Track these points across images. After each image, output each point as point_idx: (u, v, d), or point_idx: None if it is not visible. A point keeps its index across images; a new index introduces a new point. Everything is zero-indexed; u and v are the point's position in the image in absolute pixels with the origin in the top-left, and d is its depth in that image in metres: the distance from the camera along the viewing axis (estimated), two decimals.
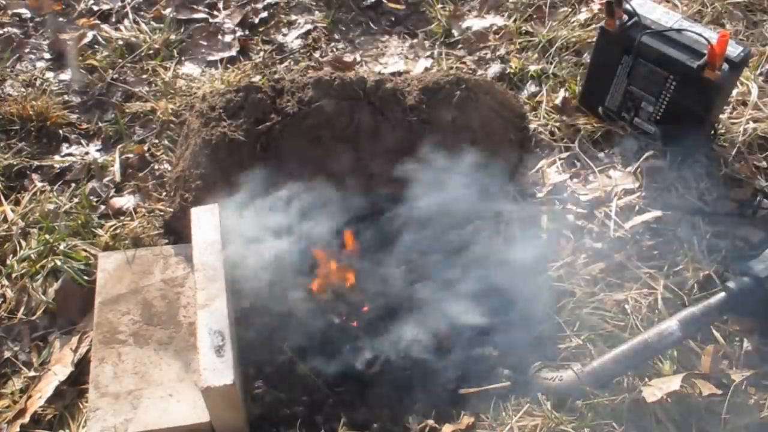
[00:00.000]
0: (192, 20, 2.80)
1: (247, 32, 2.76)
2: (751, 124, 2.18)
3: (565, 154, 2.16)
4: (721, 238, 1.93)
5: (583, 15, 2.68)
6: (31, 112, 2.35)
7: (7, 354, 1.79)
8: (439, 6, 2.79)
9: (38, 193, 2.13)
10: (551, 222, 1.98)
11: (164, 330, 1.75)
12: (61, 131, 2.37)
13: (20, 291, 1.89)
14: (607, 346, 1.69)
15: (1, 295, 1.89)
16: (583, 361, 1.67)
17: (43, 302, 1.86)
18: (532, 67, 2.47)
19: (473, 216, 1.97)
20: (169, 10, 2.80)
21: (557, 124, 2.25)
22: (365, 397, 1.74)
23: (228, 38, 2.73)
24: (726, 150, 2.14)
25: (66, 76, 2.57)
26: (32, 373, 1.75)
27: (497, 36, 2.66)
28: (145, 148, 2.31)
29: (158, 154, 2.29)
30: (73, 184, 2.19)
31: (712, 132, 2.14)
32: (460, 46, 2.67)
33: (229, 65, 2.61)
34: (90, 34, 2.69)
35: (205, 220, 1.75)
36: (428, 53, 2.65)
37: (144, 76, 2.55)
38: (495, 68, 2.52)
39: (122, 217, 2.08)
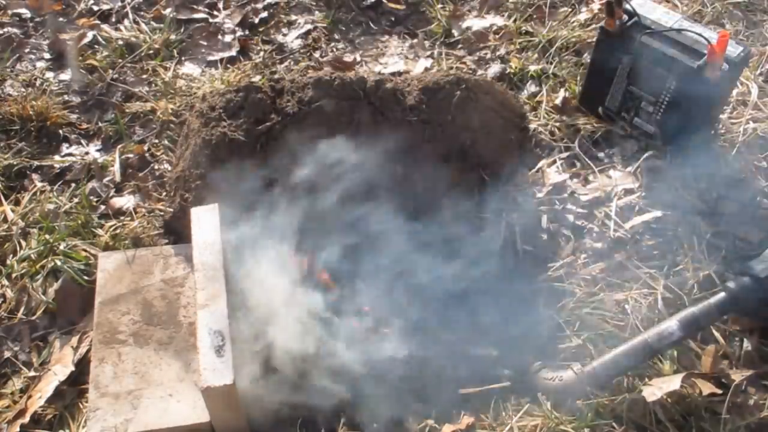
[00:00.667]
0: (192, 20, 2.80)
1: (247, 32, 2.76)
2: (751, 124, 2.18)
3: (565, 154, 2.16)
4: (721, 238, 1.93)
5: (583, 15, 2.67)
6: (31, 112, 2.35)
7: (7, 354, 1.79)
8: (439, 6, 2.79)
9: (38, 193, 2.13)
10: (551, 222, 1.98)
11: (164, 330, 1.75)
12: (61, 131, 2.37)
13: (20, 291, 1.89)
14: (607, 346, 1.69)
15: (1, 295, 1.89)
16: (583, 361, 1.67)
17: (43, 302, 1.86)
18: (532, 67, 2.47)
19: None
20: (169, 10, 2.80)
21: (557, 124, 2.25)
22: (365, 397, 1.73)
23: (228, 38, 2.73)
24: (726, 150, 2.14)
25: (66, 76, 2.57)
26: (32, 373, 1.75)
27: (497, 36, 2.66)
28: (145, 148, 2.31)
29: (158, 154, 2.29)
30: (73, 184, 2.19)
31: (712, 132, 2.14)
32: (460, 46, 2.67)
33: (229, 65, 2.61)
34: (90, 34, 2.69)
35: (205, 220, 1.74)
36: (428, 53, 2.65)
37: (144, 76, 2.55)
38: (495, 68, 2.52)
39: (122, 217, 2.08)
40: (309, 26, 2.78)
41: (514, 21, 2.70)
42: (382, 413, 1.67)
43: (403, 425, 1.65)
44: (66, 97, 2.48)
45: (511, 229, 1.98)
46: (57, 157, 2.29)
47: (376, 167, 1.91)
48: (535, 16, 2.72)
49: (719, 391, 1.61)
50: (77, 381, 1.73)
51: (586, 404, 1.59)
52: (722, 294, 1.67)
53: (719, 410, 1.58)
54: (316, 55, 2.67)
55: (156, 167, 2.25)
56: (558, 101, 2.33)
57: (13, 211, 2.07)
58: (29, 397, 1.69)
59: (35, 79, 2.53)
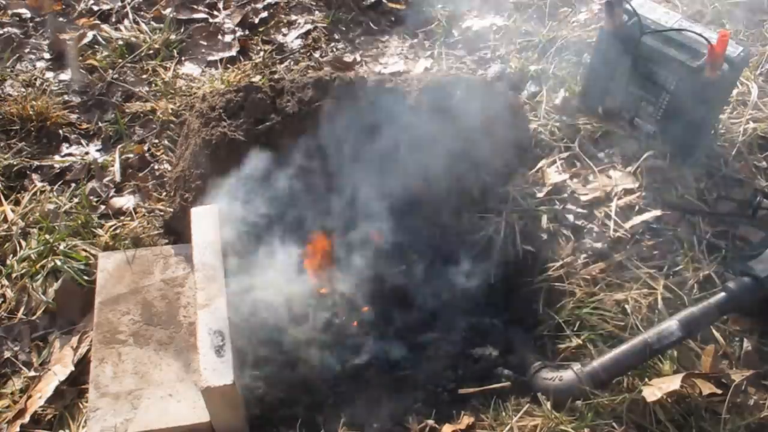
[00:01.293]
0: (192, 20, 2.80)
1: (247, 32, 2.76)
2: (751, 124, 2.18)
3: (565, 154, 2.16)
4: (721, 238, 1.93)
5: (583, 15, 2.67)
6: (31, 112, 2.35)
7: (7, 354, 1.79)
8: (439, 6, 2.79)
9: (38, 193, 2.13)
10: (551, 222, 1.98)
11: (164, 330, 1.75)
12: (61, 131, 2.37)
13: (20, 291, 1.89)
14: (607, 346, 1.69)
15: (1, 295, 1.89)
16: (583, 361, 1.67)
17: (43, 302, 1.86)
18: (532, 67, 2.47)
19: None
20: (169, 10, 2.80)
21: (557, 124, 2.25)
22: (365, 397, 1.74)
23: (228, 38, 2.73)
24: (726, 150, 2.14)
25: (66, 76, 2.57)
26: (32, 373, 1.75)
27: (497, 36, 2.66)
28: (145, 148, 2.31)
29: (158, 154, 2.29)
30: (73, 184, 2.19)
31: (712, 132, 2.14)
32: (460, 46, 2.67)
33: (229, 65, 2.61)
34: (90, 34, 2.69)
35: (205, 220, 1.74)
36: (428, 53, 2.65)
37: (144, 76, 2.55)
38: (495, 68, 2.52)
39: (122, 217, 2.08)
40: (309, 26, 2.78)
41: (514, 21, 2.70)
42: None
43: (403, 425, 1.65)
44: (66, 97, 2.48)
45: (511, 229, 1.98)
46: (57, 157, 2.29)
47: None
48: (535, 16, 2.72)
49: (719, 391, 1.61)
50: (77, 381, 1.73)
51: (586, 404, 1.59)
52: (722, 294, 1.67)
53: (719, 410, 1.58)
54: (316, 55, 2.67)
55: (156, 167, 2.25)
56: (558, 101, 2.33)
57: (13, 211, 2.07)
58: (29, 397, 1.69)
59: (35, 79, 2.53)
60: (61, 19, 2.80)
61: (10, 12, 2.81)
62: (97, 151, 2.33)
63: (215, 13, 2.85)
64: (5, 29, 2.73)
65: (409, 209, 1.99)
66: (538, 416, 1.60)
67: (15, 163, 2.23)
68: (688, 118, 2.01)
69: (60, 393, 1.70)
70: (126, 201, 2.14)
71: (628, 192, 2.02)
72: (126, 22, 2.77)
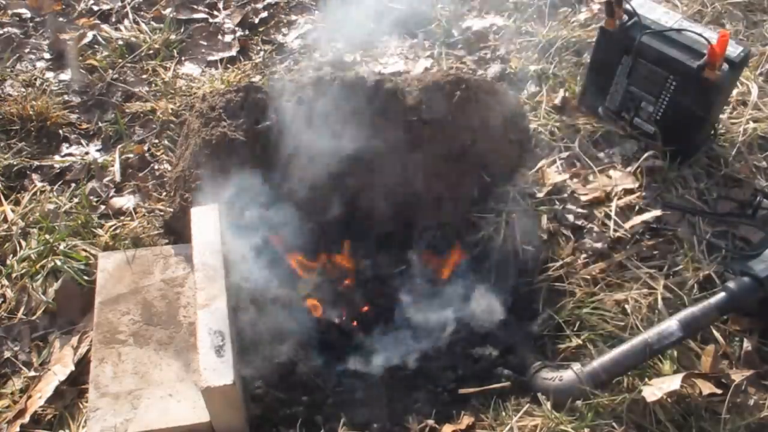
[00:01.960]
0: (192, 20, 2.80)
1: (247, 32, 2.76)
2: (751, 124, 2.18)
3: (565, 154, 2.16)
4: (721, 238, 1.93)
5: (583, 15, 2.67)
6: (31, 112, 2.35)
7: (7, 354, 1.79)
8: (439, 6, 2.79)
9: (38, 193, 2.13)
10: (551, 222, 1.98)
11: (164, 330, 1.75)
12: (61, 131, 2.37)
13: (20, 291, 1.89)
14: (607, 346, 1.69)
15: (1, 295, 1.89)
16: (583, 361, 1.67)
17: (43, 302, 1.86)
18: (532, 67, 2.47)
19: None
20: (169, 10, 2.80)
21: (557, 124, 2.25)
22: (365, 397, 1.74)
23: (228, 38, 2.73)
24: (726, 150, 2.14)
25: (66, 76, 2.57)
26: (32, 373, 1.75)
27: (497, 36, 2.66)
28: (145, 148, 2.31)
29: (158, 154, 2.29)
30: (73, 184, 2.19)
31: (712, 132, 2.14)
32: (460, 46, 2.67)
33: (229, 65, 2.61)
34: (90, 34, 2.69)
35: (205, 220, 1.74)
36: (428, 53, 2.65)
37: (144, 76, 2.55)
38: (495, 68, 2.52)
39: (122, 217, 2.08)
40: (309, 26, 2.77)
41: (514, 21, 2.70)
42: None
43: (403, 425, 1.65)
44: (66, 97, 2.48)
45: (511, 229, 1.98)
46: (57, 157, 2.29)
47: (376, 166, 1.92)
48: (535, 16, 2.72)
49: (719, 391, 1.61)
50: (77, 381, 1.73)
51: (586, 404, 1.59)
52: (722, 294, 1.67)
53: (719, 410, 1.58)
54: (316, 55, 2.66)
55: (156, 167, 2.25)
56: (558, 101, 2.33)
57: (13, 211, 2.07)
58: (29, 397, 1.69)
59: (35, 79, 2.53)
60: (61, 19, 2.80)
61: (10, 12, 2.81)
62: (97, 151, 2.33)
63: (215, 13, 2.85)
64: (5, 29, 2.73)
65: (409, 209, 2.00)
66: (538, 416, 1.60)
67: (15, 163, 2.23)
68: (688, 118, 2.01)
69: (60, 393, 1.70)
70: (126, 201, 2.14)
71: (628, 192, 2.02)
72: (126, 22, 2.77)
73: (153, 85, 2.51)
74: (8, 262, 1.94)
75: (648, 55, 2.01)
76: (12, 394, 1.71)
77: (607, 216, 1.97)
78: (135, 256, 1.90)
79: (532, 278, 1.93)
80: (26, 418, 1.65)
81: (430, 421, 1.64)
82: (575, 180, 2.09)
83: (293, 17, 2.82)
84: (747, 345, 1.72)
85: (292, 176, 1.92)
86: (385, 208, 1.97)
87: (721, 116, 2.20)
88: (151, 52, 2.63)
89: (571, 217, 1.99)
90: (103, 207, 2.13)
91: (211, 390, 1.45)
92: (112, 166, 2.25)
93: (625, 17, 2.04)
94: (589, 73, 2.24)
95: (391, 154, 1.96)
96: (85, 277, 1.89)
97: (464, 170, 2.04)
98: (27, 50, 2.67)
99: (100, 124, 2.40)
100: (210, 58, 2.65)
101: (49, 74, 2.57)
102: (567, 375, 1.63)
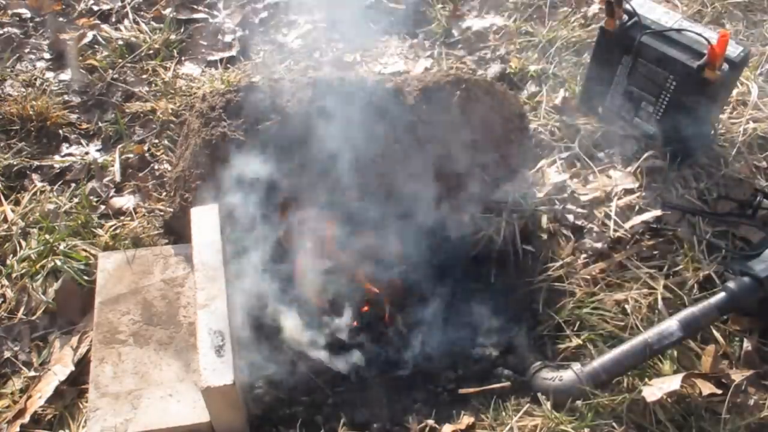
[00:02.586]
0: (192, 20, 2.80)
1: (247, 32, 2.76)
2: (751, 124, 2.18)
3: (565, 154, 2.16)
4: (721, 238, 1.93)
5: (583, 15, 2.67)
6: (31, 112, 2.35)
7: (7, 354, 1.79)
8: (439, 6, 2.79)
9: (38, 193, 2.13)
10: (551, 222, 1.98)
11: (164, 330, 1.75)
12: (61, 131, 2.37)
13: (20, 291, 1.89)
14: (607, 346, 1.69)
15: (1, 295, 1.89)
16: (583, 361, 1.67)
17: (43, 302, 1.86)
18: (532, 67, 2.47)
19: None
20: (169, 10, 2.80)
21: (557, 124, 2.25)
22: (365, 397, 1.74)
23: (228, 38, 2.73)
24: (726, 150, 2.14)
25: (66, 76, 2.57)
26: (32, 373, 1.75)
27: (497, 36, 2.66)
28: (145, 148, 2.31)
29: (158, 154, 2.29)
30: (73, 184, 2.19)
31: (712, 132, 2.14)
32: (460, 46, 2.67)
33: (229, 65, 2.61)
34: (90, 34, 2.69)
35: (205, 220, 1.74)
36: (428, 53, 2.65)
37: (144, 76, 2.55)
38: (495, 68, 2.52)
39: (122, 217, 2.08)
40: (309, 26, 2.77)
41: (514, 21, 2.70)
42: None
43: (403, 425, 1.65)
44: (66, 97, 2.48)
45: (511, 229, 1.98)
46: (57, 157, 2.29)
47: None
48: (535, 16, 2.72)
49: (719, 391, 1.61)
50: (77, 381, 1.73)
51: (586, 404, 1.59)
52: (722, 294, 1.67)
53: (719, 410, 1.58)
54: (316, 55, 2.66)
55: (156, 167, 2.25)
56: (558, 101, 2.33)
57: (13, 211, 2.07)
58: (29, 397, 1.69)
59: (35, 79, 2.53)
60: (61, 19, 2.80)
61: (10, 12, 2.81)
62: (97, 151, 2.33)
63: (215, 13, 2.85)
64: (5, 29, 2.73)
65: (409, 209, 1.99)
66: (538, 416, 1.60)
67: (15, 163, 2.23)
68: (687, 119, 2.01)
69: (60, 393, 1.70)
70: (126, 201, 2.14)
71: (628, 192, 2.02)
72: (126, 22, 2.77)
73: (153, 85, 2.51)
74: (8, 262, 1.94)
75: (648, 55, 2.01)
76: (12, 394, 1.71)
77: (607, 216, 1.97)
78: (135, 256, 1.90)
79: (532, 278, 1.93)
80: (26, 418, 1.65)
81: (430, 421, 1.64)
82: (575, 180, 2.09)
83: (293, 17, 2.82)
84: (747, 345, 1.72)
85: (291, 176, 1.92)
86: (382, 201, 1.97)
87: (721, 116, 2.20)
88: (151, 52, 2.63)
89: (571, 217, 1.99)
90: (103, 207, 2.13)
91: (211, 390, 1.45)
92: (112, 166, 2.25)
93: (625, 17, 2.04)
94: (589, 73, 2.24)
95: (391, 154, 1.95)
96: (85, 277, 1.89)
97: (464, 170, 2.04)
98: (27, 50, 2.68)
99: (100, 124, 2.40)
100: (210, 58, 2.65)
101: (49, 74, 2.57)
102: (567, 375, 1.63)
